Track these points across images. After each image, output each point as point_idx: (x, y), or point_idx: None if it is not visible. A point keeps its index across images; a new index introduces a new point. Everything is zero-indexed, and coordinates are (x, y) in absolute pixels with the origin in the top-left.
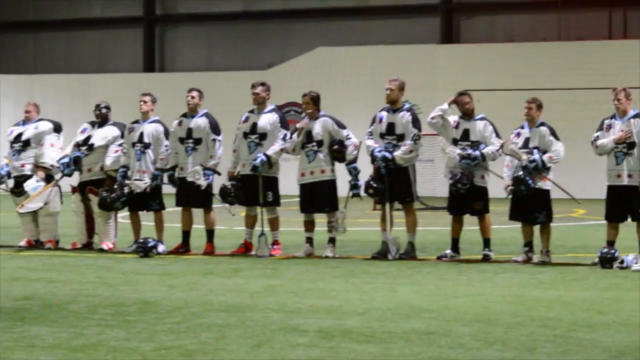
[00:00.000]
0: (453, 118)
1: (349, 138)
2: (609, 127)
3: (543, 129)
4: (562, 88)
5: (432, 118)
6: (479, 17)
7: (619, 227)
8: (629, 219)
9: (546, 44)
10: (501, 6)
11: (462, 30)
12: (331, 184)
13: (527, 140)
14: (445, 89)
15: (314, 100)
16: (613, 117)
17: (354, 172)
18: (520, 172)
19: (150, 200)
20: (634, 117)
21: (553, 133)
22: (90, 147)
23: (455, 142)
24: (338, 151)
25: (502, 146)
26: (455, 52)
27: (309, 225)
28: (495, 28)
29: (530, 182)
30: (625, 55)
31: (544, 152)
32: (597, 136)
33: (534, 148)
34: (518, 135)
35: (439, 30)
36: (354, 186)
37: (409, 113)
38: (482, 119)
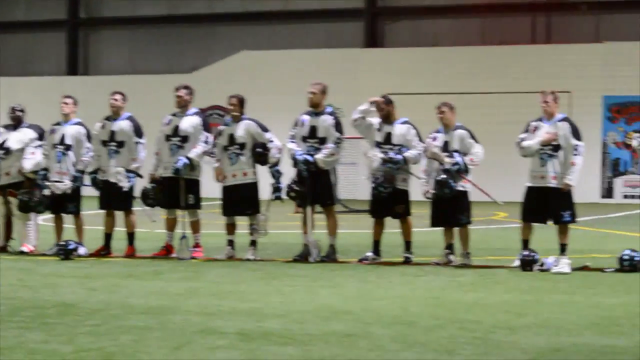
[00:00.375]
0: (377, 120)
1: (272, 141)
2: (535, 128)
3: (462, 132)
4: (486, 92)
5: (355, 120)
6: (403, 22)
7: (538, 229)
8: (549, 222)
9: (470, 48)
10: (425, 11)
11: (387, 34)
12: (253, 187)
13: (446, 144)
14: (370, 93)
15: (241, 103)
16: (540, 119)
17: (277, 175)
18: (443, 175)
19: (67, 202)
20: (562, 120)
21: (472, 135)
22: (7, 151)
23: (378, 145)
24: (261, 154)
25: (425, 150)
26: (380, 56)
27: (231, 228)
28: (420, 32)
29: (453, 184)
30: (549, 60)
31: (464, 155)
32: (523, 137)
33: (454, 151)
34: (435, 139)
35: (363, 34)
36: (276, 189)
37: (331, 116)
38: (405, 122)
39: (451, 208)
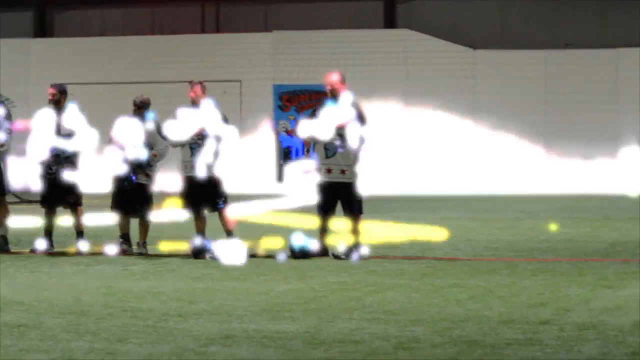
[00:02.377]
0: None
1: None
2: None
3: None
4: (157, 81)
5: None
6: (73, 11)
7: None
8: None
9: (140, 38)
10: (94, 0)
11: (56, 24)
12: None
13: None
14: (39, 83)
15: None
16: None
17: None
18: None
19: None
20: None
21: (159, 131)
22: None
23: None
24: None
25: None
26: (50, 46)
27: None
28: (89, 22)
29: (133, 178)
30: (219, 49)
31: (151, 148)
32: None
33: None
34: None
35: (33, 24)
36: None
37: (1, 107)
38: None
39: (131, 198)
